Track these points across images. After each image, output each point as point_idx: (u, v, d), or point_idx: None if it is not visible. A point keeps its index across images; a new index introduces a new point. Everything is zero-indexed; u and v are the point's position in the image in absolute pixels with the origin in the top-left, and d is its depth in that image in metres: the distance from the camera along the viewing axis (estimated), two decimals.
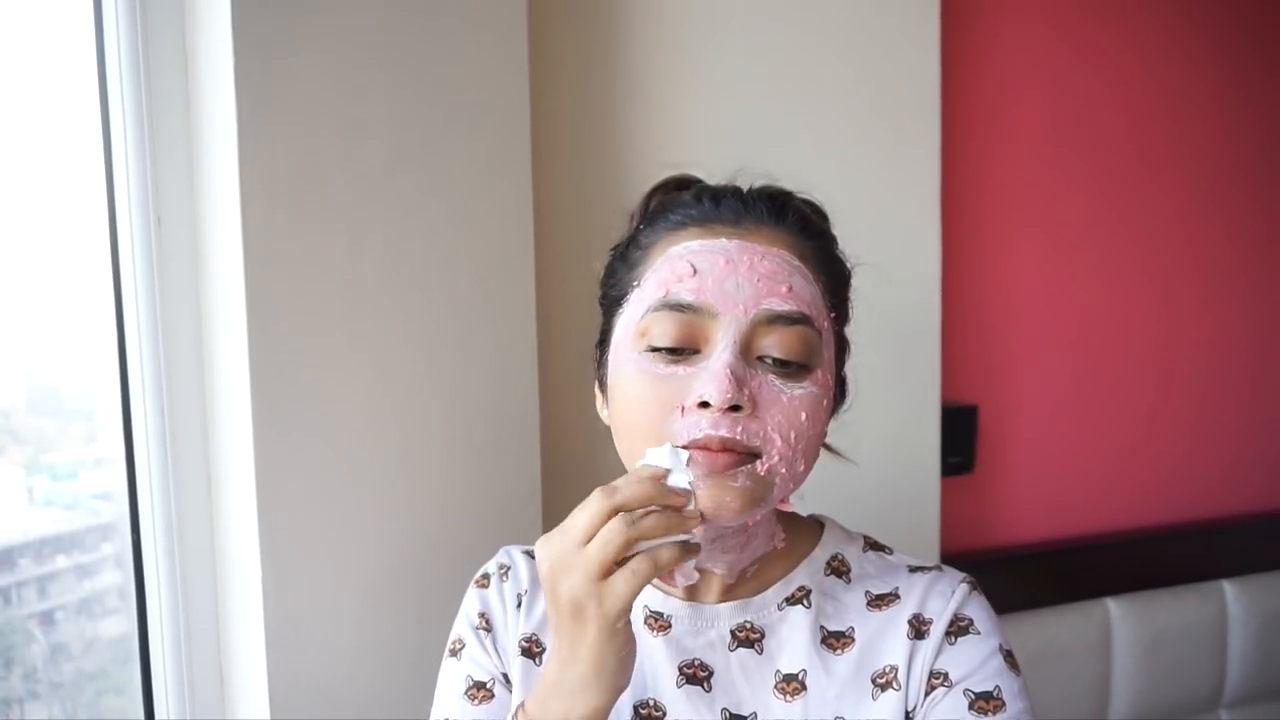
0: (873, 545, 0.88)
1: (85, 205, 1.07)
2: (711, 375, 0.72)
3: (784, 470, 0.74)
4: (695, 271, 0.74)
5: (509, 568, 0.91)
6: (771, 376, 0.74)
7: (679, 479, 0.70)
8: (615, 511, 0.68)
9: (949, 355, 1.53)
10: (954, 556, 1.57)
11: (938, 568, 0.85)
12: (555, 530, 0.70)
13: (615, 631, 0.69)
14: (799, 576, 0.84)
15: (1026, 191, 1.63)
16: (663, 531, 0.69)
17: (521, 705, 0.75)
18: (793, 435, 0.73)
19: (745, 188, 0.83)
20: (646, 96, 1.31)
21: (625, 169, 1.30)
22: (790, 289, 0.74)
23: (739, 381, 0.71)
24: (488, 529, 1.16)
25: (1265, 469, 1.84)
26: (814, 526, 0.88)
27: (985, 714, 0.77)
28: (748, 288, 0.73)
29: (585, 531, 0.68)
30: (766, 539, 0.83)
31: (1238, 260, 1.80)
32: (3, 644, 1.14)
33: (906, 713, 0.79)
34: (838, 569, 0.85)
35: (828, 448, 0.88)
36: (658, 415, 0.74)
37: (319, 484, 1.06)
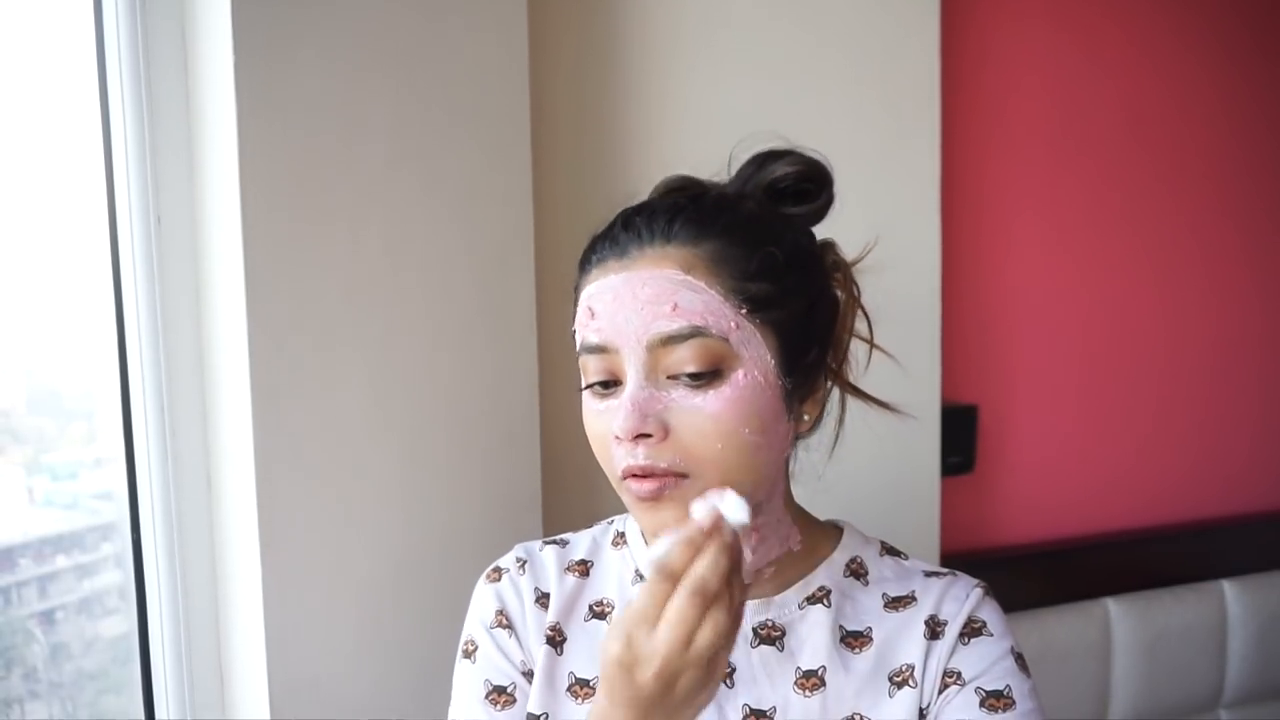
0: (889, 550, 0.90)
1: (85, 205, 1.07)
2: (619, 409, 0.76)
3: (719, 479, 0.75)
4: (594, 314, 0.78)
5: (526, 561, 0.91)
6: (685, 391, 0.76)
7: (735, 515, 0.70)
8: (709, 602, 0.67)
9: (949, 355, 1.53)
10: (954, 556, 1.57)
11: (952, 573, 0.87)
12: (632, 624, 0.68)
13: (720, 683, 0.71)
14: (819, 577, 0.85)
15: (1027, 189, 1.63)
16: (727, 575, 0.68)
17: None
18: (719, 445, 0.75)
19: (648, 205, 0.82)
20: (646, 93, 1.31)
21: (625, 166, 1.30)
22: (675, 306, 0.75)
23: (642, 412, 0.75)
24: (488, 528, 1.16)
25: (1266, 469, 1.84)
26: (832, 530, 0.90)
27: (995, 711, 0.80)
28: (635, 318, 0.76)
29: (685, 629, 0.66)
30: (779, 542, 0.85)
31: (1242, 256, 1.79)
32: (3, 644, 1.14)
33: (920, 710, 0.81)
34: (856, 571, 0.87)
35: (878, 402, 0.88)
36: (603, 446, 0.79)
37: (319, 483, 1.06)
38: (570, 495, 1.26)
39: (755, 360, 0.76)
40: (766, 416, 0.77)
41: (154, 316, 1.06)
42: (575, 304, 0.83)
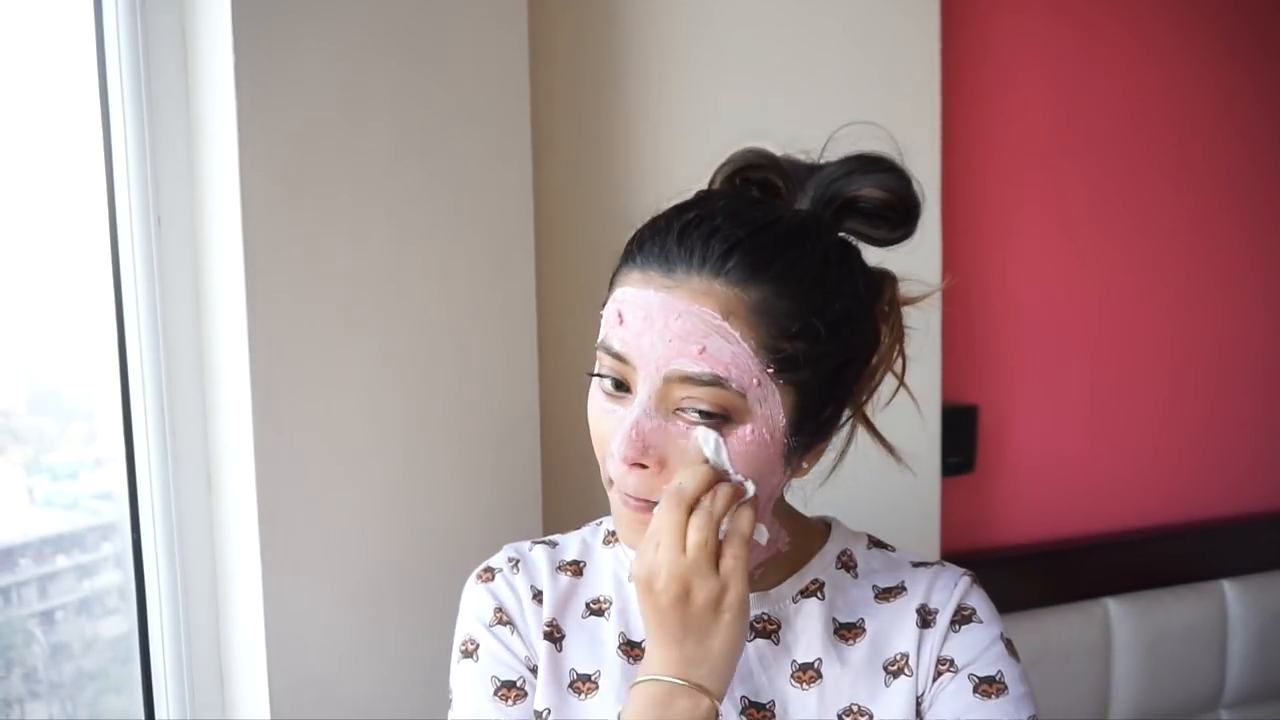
0: (876, 543, 0.91)
1: (85, 205, 1.07)
2: (621, 431, 0.75)
3: None
4: (622, 321, 0.76)
5: (519, 560, 0.91)
6: (689, 429, 0.75)
7: (718, 460, 0.75)
8: (689, 508, 0.73)
9: (949, 355, 1.53)
10: (954, 556, 1.57)
11: (939, 563, 0.89)
12: (645, 545, 0.74)
13: (746, 610, 0.74)
14: (812, 570, 0.87)
15: (1028, 186, 1.63)
16: (730, 502, 0.74)
17: None
18: None
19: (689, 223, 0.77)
20: (646, 87, 1.31)
21: (625, 160, 1.30)
22: (703, 350, 0.73)
23: (644, 443, 0.74)
24: (487, 528, 1.16)
25: (1269, 469, 1.84)
26: (821, 526, 0.91)
27: (989, 696, 0.81)
28: (660, 347, 0.74)
29: (677, 536, 0.73)
30: (768, 545, 0.84)
31: (1246, 254, 1.78)
32: (3, 644, 1.14)
33: (916, 698, 0.83)
34: (846, 564, 0.88)
35: (888, 447, 0.88)
36: (600, 445, 0.79)
37: (319, 484, 1.06)
38: (570, 495, 1.26)
39: (766, 418, 0.75)
40: (763, 470, 0.76)
41: (154, 316, 1.06)
42: (610, 288, 0.80)
